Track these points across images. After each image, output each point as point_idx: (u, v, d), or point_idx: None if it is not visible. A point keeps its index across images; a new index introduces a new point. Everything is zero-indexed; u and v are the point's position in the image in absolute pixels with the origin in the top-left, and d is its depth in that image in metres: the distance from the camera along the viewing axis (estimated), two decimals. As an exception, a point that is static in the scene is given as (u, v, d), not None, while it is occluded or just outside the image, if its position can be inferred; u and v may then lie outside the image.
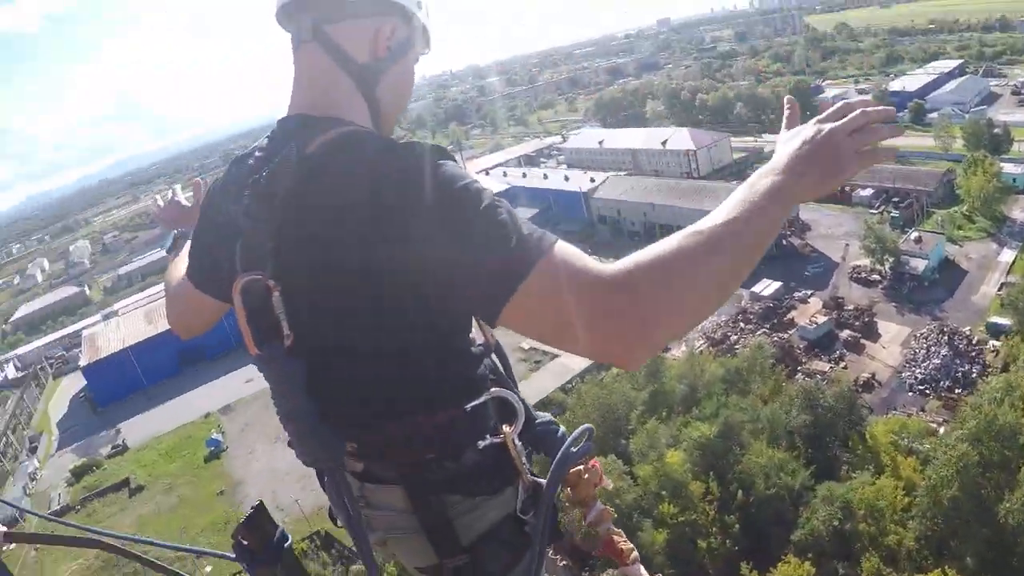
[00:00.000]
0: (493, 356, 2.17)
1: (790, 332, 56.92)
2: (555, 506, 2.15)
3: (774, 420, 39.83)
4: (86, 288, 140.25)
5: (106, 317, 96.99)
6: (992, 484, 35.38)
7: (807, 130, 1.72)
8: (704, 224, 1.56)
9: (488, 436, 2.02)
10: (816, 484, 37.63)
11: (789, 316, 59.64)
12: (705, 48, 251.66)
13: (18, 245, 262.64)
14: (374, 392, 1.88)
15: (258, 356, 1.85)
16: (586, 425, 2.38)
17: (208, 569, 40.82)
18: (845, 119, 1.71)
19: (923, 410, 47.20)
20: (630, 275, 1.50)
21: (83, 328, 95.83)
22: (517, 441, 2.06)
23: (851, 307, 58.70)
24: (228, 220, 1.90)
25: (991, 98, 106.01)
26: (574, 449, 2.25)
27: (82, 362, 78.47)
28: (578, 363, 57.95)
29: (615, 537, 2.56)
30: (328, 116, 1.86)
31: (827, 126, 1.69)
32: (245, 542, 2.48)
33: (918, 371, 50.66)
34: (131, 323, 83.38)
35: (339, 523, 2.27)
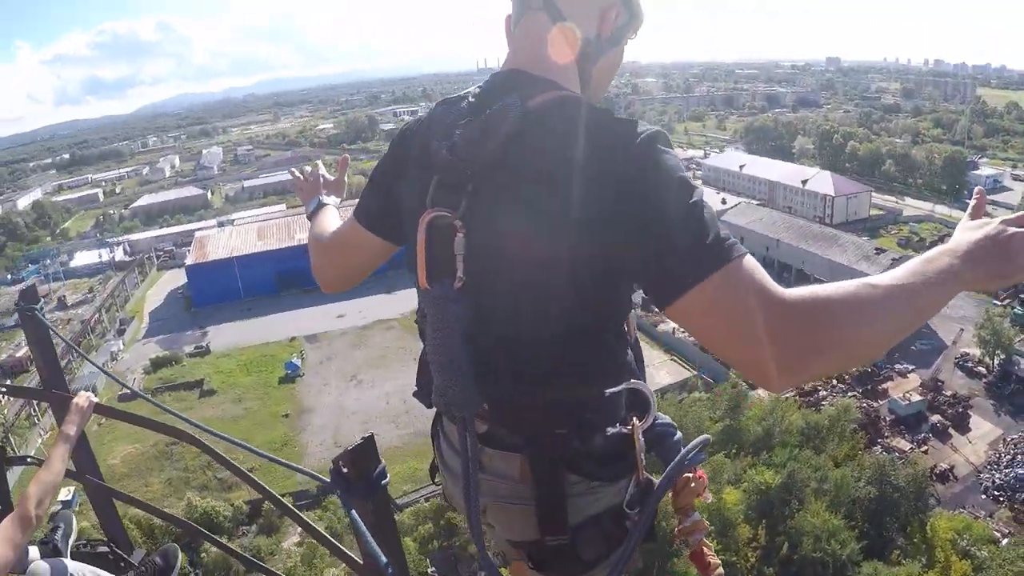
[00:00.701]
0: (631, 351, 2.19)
1: (880, 402, 55.29)
2: (656, 508, 2.16)
3: (840, 485, 38.87)
4: (209, 192, 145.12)
5: (221, 224, 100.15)
6: None
7: (992, 226, 1.72)
8: (880, 280, 1.62)
9: (618, 425, 2.05)
10: (864, 560, 36.70)
11: (884, 386, 57.79)
12: (869, 96, 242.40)
13: (155, 138, 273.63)
14: (529, 355, 1.89)
15: (427, 291, 1.91)
16: (705, 436, 2.35)
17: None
18: None
19: (991, 516, 45.22)
20: (807, 304, 1.55)
21: (197, 229, 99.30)
22: (641, 437, 2.09)
23: (949, 393, 56.49)
24: (425, 157, 1.93)
25: None
26: (691, 455, 2.24)
27: (188, 260, 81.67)
28: (663, 377, 57.50)
29: (704, 549, 2.54)
30: (547, 79, 1.89)
31: (1012, 229, 1.69)
32: (345, 470, 2.59)
33: (998, 475, 48.49)
34: (242, 234, 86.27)
35: (438, 479, 2.54)
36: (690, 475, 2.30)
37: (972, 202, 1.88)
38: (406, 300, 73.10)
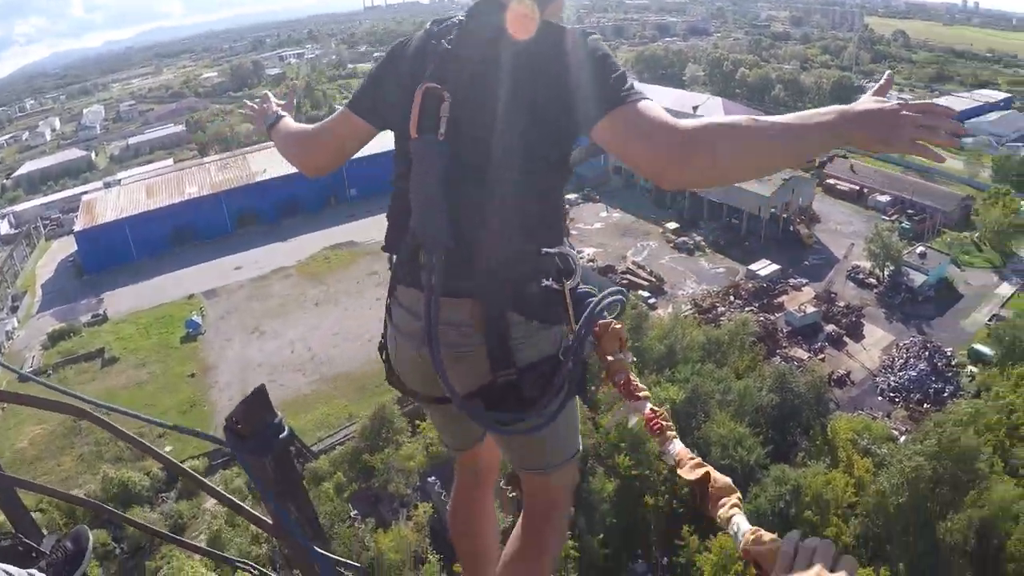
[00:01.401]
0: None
1: (777, 316, 57.12)
2: (584, 362, 2.65)
3: (743, 395, 40.05)
4: (93, 153, 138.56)
5: (107, 185, 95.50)
6: (939, 501, 35.96)
7: (889, 103, 2.05)
8: (766, 117, 2.13)
9: (551, 280, 2.55)
10: (770, 464, 38.06)
11: (780, 300, 59.69)
12: (758, 24, 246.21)
13: (32, 101, 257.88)
14: (491, 206, 2.45)
15: (415, 140, 2.54)
16: (618, 288, 2.84)
17: (168, 448, 41.02)
18: (920, 111, 2.01)
19: (888, 416, 47.65)
20: (695, 129, 2.13)
21: (83, 193, 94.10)
22: (569, 295, 2.59)
23: (842, 304, 58.79)
24: (422, 54, 2.63)
25: None
26: (605, 301, 2.70)
27: (76, 227, 77.14)
28: None
29: (631, 380, 2.89)
30: None
31: (906, 110, 2.00)
32: (239, 426, 2.38)
33: (892, 378, 51.01)
34: (131, 194, 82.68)
35: (387, 354, 3.21)
36: (609, 326, 2.72)
37: (882, 80, 2.24)
38: (301, 248, 71.90)
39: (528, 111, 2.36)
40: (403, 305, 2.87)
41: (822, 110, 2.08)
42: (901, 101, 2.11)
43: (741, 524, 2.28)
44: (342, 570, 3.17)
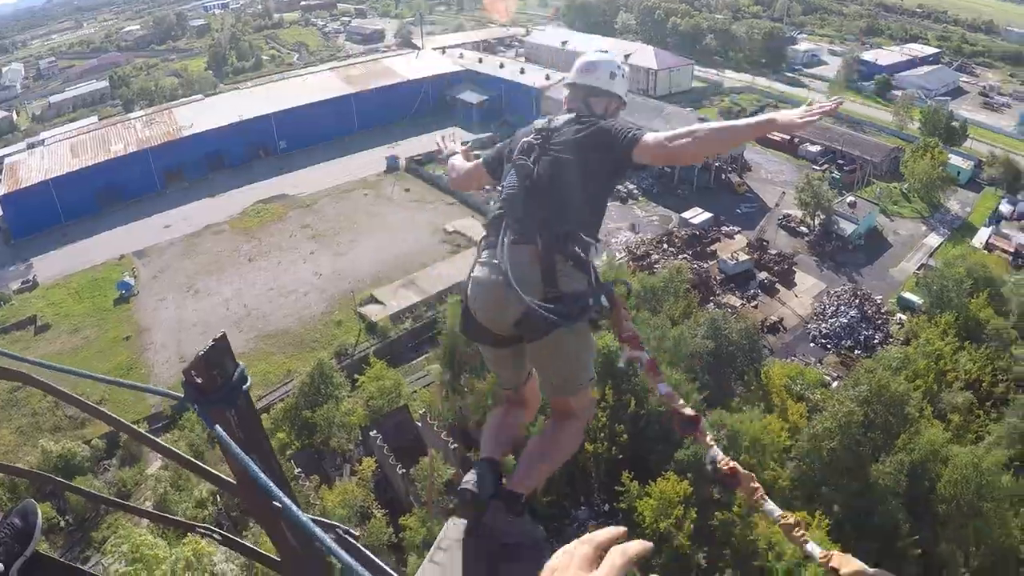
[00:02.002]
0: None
1: (710, 263, 57.93)
2: (598, 309, 4.01)
3: (678, 342, 40.59)
4: (14, 114, 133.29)
5: (31, 146, 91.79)
6: (870, 444, 37.19)
7: (801, 119, 3.59)
8: (723, 125, 4.01)
9: (585, 254, 3.95)
10: (707, 410, 38.78)
11: (712, 248, 60.56)
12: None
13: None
14: (555, 207, 4.03)
15: (515, 159, 4.34)
16: (624, 280, 4.48)
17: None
18: (819, 115, 3.63)
19: (820, 362, 48.96)
20: (664, 137, 3.97)
21: (5, 156, 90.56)
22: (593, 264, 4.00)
23: (774, 252, 59.87)
24: (520, 142, 4.39)
25: (957, 92, 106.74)
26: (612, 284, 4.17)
27: None
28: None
29: (637, 334, 4.24)
30: None
31: (809, 117, 3.59)
32: (199, 380, 2.25)
33: (824, 325, 52.27)
34: (55, 154, 79.29)
35: (465, 306, 4.50)
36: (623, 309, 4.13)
37: (816, 107, 3.69)
38: (232, 203, 70.41)
39: (581, 154, 4.12)
40: (485, 264, 4.18)
41: (760, 118, 3.82)
42: (809, 110, 3.60)
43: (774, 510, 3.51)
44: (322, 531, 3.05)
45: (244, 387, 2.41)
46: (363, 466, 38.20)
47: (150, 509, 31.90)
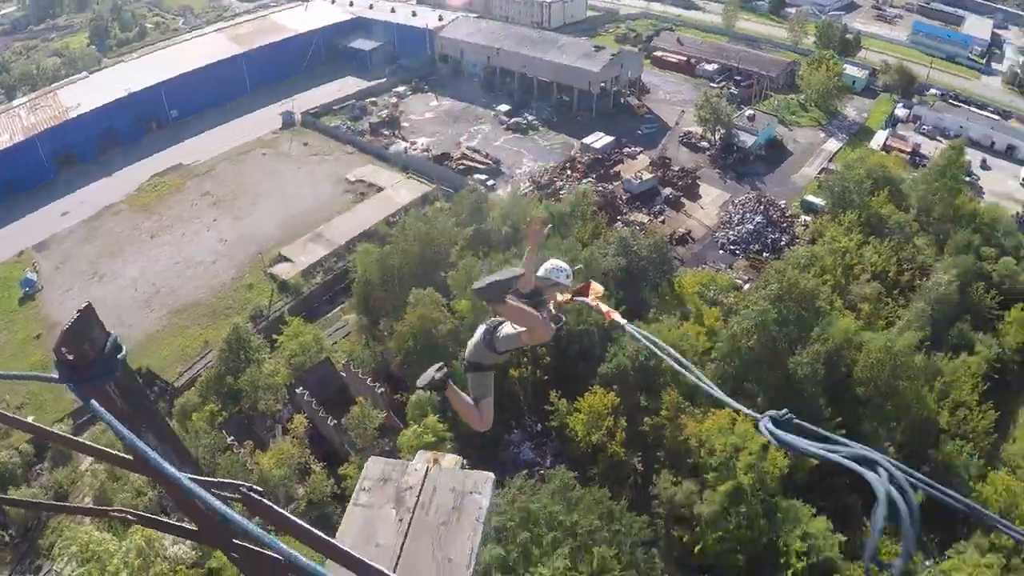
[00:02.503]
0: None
1: (615, 184, 58.28)
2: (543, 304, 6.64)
3: (590, 262, 40.87)
4: None
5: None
6: (786, 339, 38.36)
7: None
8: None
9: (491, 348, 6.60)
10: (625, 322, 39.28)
11: (616, 169, 60.86)
12: None
13: None
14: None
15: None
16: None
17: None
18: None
19: (731, 268, 50.12)
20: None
21: None
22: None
23: (677, 168, 60.58)
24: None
25: (851, 7, 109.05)
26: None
27: None
28: (403, 196, 57.51)
29: (609, 310, 6.20)
30: None
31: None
32: (70, 356, 2.05)
33: (731, 233, 53.42)
34: (-62, 153, 75.10)
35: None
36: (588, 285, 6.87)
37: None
38: (128, 180, 67.55)
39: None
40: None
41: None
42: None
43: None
44: (226, 493, 2.88)
45: (119, 356, 2.22)
46: (294, 424, 37.83)
47: (90, 505, 31.14)
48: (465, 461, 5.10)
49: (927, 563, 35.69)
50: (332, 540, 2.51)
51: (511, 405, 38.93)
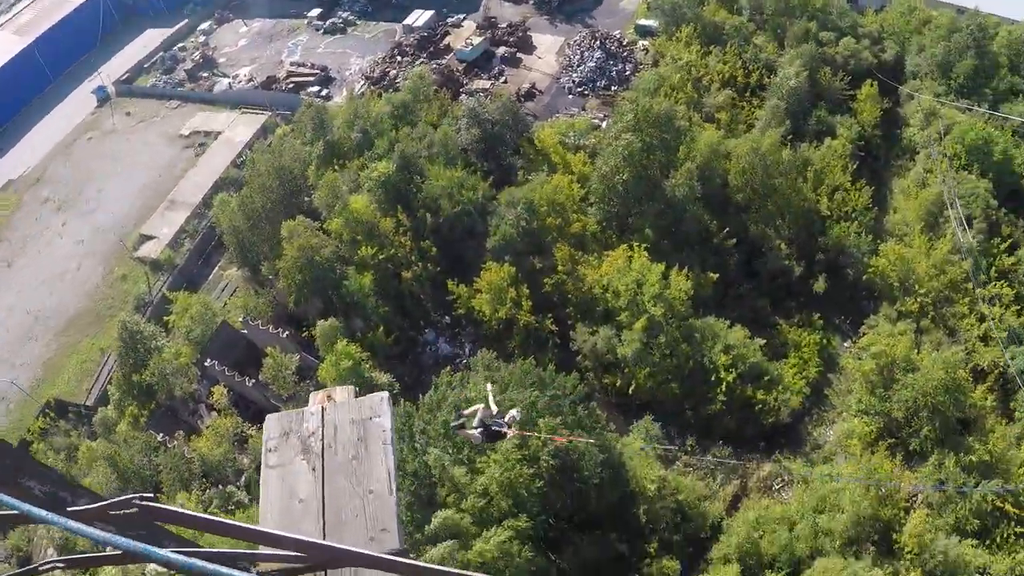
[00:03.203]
0: None
1: (448, 57, 57.03)
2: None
3: (445, 142, 40.55)
4: None
5: None
6: (657, 165, 39.01)
7: None
8: None
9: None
10: (497, 193, 39.45)
11: (445, 42, 59.34)
12: None
13: None
14: None
15: None
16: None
17: None
18: None
19: (584, 109, 50.15)
20: None
21: None
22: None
23: (505, 25, 59.46)
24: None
25: None
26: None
27: None
28: (243, 134, 55.38)
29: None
30: None
31: None
32: None
33: (575, 75, 53.15)
34: None
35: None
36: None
37: None
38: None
39: None
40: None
41: None
42: None
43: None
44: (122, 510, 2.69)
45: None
46: (215, 397, 37.43)
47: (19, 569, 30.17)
48: (357, 388, 5.10)
49: (845, 344, 38.27)
50: (240, 524, 2.55)
51: (415, 307, 39.09)
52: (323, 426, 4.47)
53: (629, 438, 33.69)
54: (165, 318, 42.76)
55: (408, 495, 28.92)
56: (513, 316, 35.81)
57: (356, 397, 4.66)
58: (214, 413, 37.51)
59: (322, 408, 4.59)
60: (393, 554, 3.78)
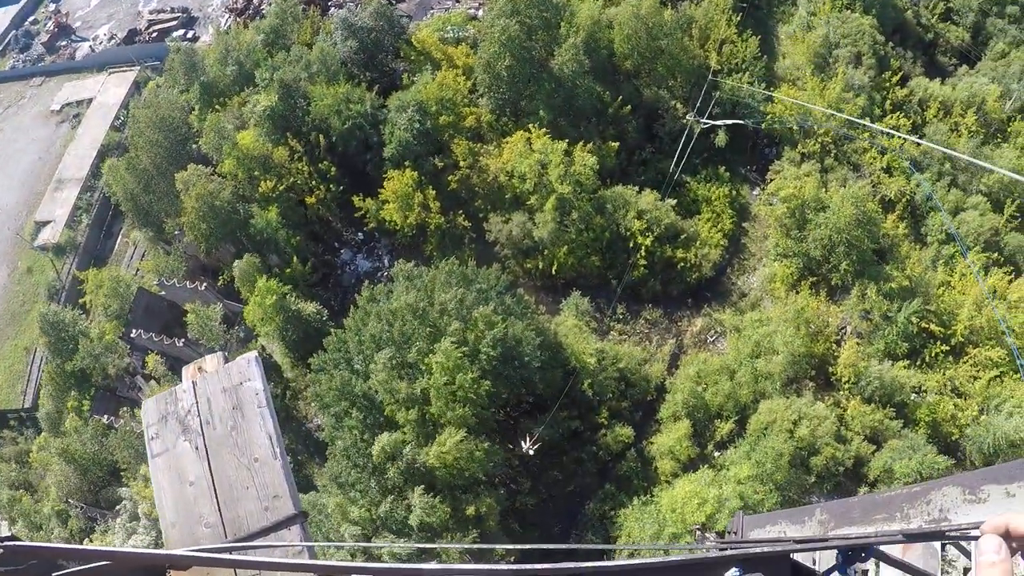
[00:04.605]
0: None
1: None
2: None
3: (324, 59, 39.21)
4: None
5: None
6: (541, 45, 38.05)
7: None
8: None
9: None
10: (386, 100, 38.51)
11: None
12: None
13: None
14: None
15: None
16: None
17: None
18: None
19: (458, 1, 48.72)
20: None
21: None
22: None
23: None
24: None
25: None
26: None
27: None
28: (116, 95, 53.13)
29: None
30: None
31: None
32: None
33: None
34: None
35: None
36: None
37: None
38: None
39: None
40: None
41: None
42: None
43: None
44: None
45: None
46: (150, 366, 37.09)
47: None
48: (225, 353, 4.88)
49: (755, 192, 38.72)
50: (111, 549, 2.40)
51: (326, 230, 38.62)
52: (197, 401, 4.24)
53: (561, 317, 34.12)
54: (81, 300, 41.83)
55: (360, 424, 29.13)
56: (424, 220, 35.55)
57: (226, 363, 4.45)
58: (153, 382, 37.12)
59: (193, 383, 4.34)
60: (289, 519, 3.81)
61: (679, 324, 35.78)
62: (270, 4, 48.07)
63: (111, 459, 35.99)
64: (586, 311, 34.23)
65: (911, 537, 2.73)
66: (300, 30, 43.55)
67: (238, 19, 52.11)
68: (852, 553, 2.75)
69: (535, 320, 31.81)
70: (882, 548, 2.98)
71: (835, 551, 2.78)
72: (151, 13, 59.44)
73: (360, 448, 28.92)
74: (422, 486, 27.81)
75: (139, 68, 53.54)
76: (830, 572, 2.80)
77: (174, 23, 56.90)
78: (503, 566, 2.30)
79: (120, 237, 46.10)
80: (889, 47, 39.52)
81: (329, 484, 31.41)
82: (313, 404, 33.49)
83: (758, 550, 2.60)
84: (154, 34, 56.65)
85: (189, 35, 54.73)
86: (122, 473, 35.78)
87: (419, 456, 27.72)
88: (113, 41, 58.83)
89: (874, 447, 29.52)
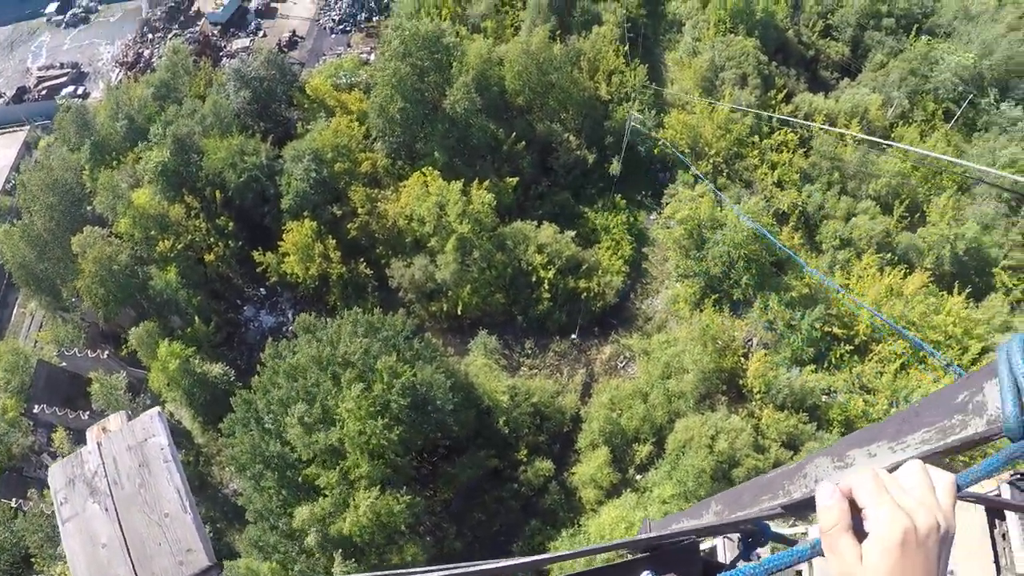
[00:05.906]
0: None
1: (200, 23, 54.28)
2: None
3: (217, 111, 38.72)
4: None
5: None
6: (433, 86, 38.27)
7: None
8: None
9: None
10: (280, 150, 38.21)
11: (195, 8, 56.40)
12: None
13: None
14: None
15: None
16: None
17: None
18: None
19: (350, 46, 49.05)
20: None
21: None
22: None
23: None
24: None
25: None
26: None
27: None
28: (5, 157, 51.44)
29: None
30: None
31: None
32: None
33: (334, 13, 51.76)
34: None
35: None
36: None
37: None
38: None
39: None
40: None
41: None
42: None
43: None
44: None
45: None
46: (57, 443, 35.95)
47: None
48: (128, 411, 4.78)
49: (652, 217, 39.48)
50: None
51: (226, 288, 38.00)
52: (103, 462, 4.16)
53: (470, 357, 34.17)
54: (-22, 371, 40.05)
55: (276, 486, 28.63)
56: (325, 270, 35.32)
57: (129, 421, 4.40)
58: (60, 459, 35.73)
59: (98, 443, 4.27)
60: (204, 571, 3.62)
61: (588, 353, 36.16)
62: (160, 57, 47.31)
63: (22, 545, 34.33)
64: (495, 349, 34.38)
65: (788, 509, 3.06)
66: (192, 82, 42.93)
67: (128, 73, 51.16)
68: (752, 539, 3.11)
69: (444, 363, 31.76)
70: (774, 529, 3.24)
71: (738, 540, 3.14)
72: (40, 69, 57.78)
73: (277, 512, 28.44)
74: (340, 551, 27.43)
75: (28, 128, 51.99)
76: (736, 561, 2.98)
77: (64, 79, 55.45)
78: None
79: (16, 307, 44.43)
80: (773, 66, 41.09)
81: (249, 548, 30.76)
82: (228, 468, 32.79)
83: (652, 535, 3.00)
84: (44, 91, 55.08)
85: (80, 91, 53.39)
86: (33, 560, 34.24)
87: (335, 524, 27.38)
88: (1, 100, 57.02)
89: (792, 452, 30.29)
